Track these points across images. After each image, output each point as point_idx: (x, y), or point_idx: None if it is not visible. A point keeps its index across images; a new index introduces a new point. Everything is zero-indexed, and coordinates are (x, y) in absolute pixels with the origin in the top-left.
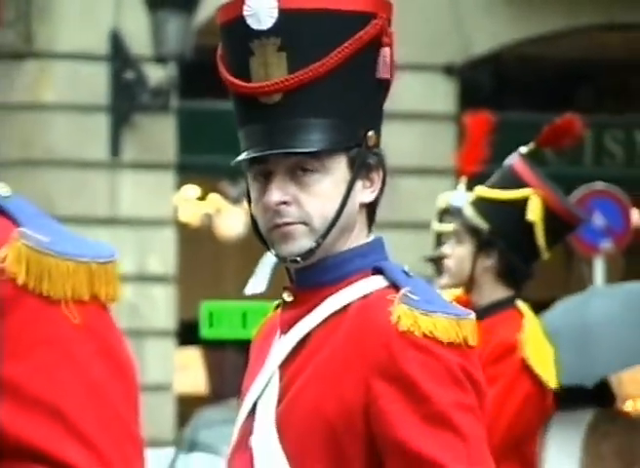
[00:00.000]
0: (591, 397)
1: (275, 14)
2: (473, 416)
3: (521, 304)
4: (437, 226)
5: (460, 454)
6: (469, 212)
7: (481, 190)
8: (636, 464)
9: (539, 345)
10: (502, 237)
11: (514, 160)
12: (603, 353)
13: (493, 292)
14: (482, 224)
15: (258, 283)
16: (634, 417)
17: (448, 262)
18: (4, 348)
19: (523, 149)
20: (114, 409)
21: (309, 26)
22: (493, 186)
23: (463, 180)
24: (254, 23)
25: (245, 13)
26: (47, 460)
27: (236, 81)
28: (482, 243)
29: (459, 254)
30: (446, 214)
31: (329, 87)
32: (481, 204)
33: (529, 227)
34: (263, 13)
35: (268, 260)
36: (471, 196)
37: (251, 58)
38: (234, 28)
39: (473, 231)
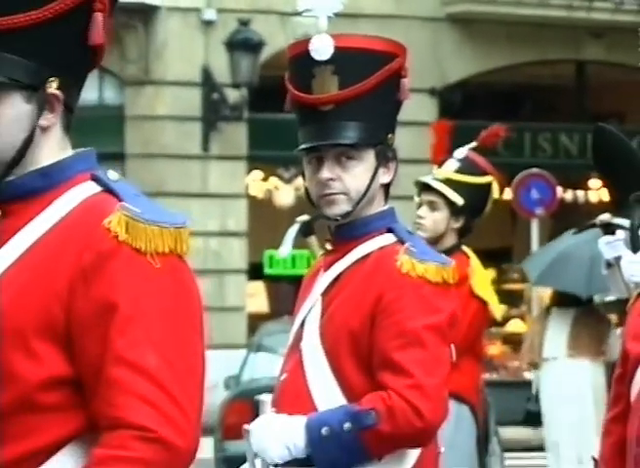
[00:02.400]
0: (579, 301)
1: (332, 50)
2: (440, 337)
3: (465, 248)
4: (417, 199)
5: (422, 364)
6: (445, 189)
7: (451, 174)
8: (604, 345)
9: (481, 277)
10: (469, 208)
11: (469, 154)
12: (597, 279)
13: (450, 241)
14: (458, 199)
15: (285, 248)
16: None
17: (425, 222)
18: (115, 283)
19: (471, 146)
20: (182, 329)
21: (354, 59)
22: (460, 172)
23: (435, 167)
24: (317, 56)
25: (310, 48)
26: (129, 364)
27: (302, 94)
28: (455, 211)
29: (435, 218)
30: (423, 189)
31: (365, 101)
32: (454, 184)
33: (486, 201)
34: (324, 49)
35: (289, 234)
36: (440, 177)
37: (312, 79)
38: (301, 59)
39: (449, 203)
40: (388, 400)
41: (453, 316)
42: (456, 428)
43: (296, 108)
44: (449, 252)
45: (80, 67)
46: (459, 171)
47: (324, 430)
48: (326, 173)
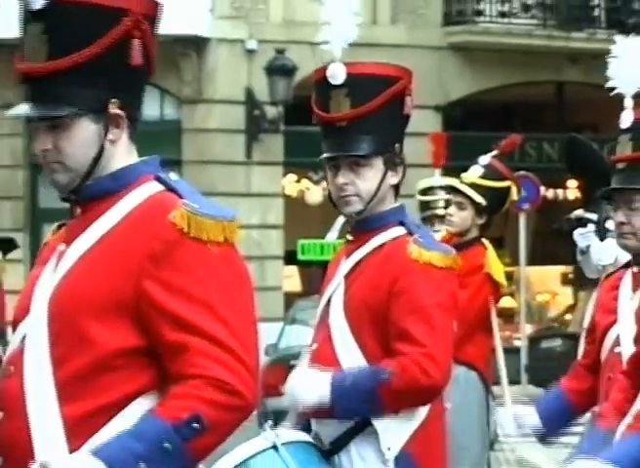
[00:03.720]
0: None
1: (345, 75)
2: (446, 313)
3: (484, 241)
4: (420, 197)
5: (431, 336)
6: (471, 192)
7: (476, 179)
8: None
9: (496, 264)
10: (491, 207)
11: (490, 161)
12: None
13: (473, 234)
14: (481, 200)
15: (332, 235)
16: None
17: (454, 219)
18: (182, 266)
19: (493, 153)
20: (239, 303)
21: (364, 83)
22: (484, 177)
23: (437, 171)
24: (332, 81)
25: (327, 74)
26: (201, 333)
27: (322, 113)
28: (479, 211)
29: (463, 216)
30: (428, 190)
31: (373, 118)
32: (478, 187)
33: (505, 201)
34: (338, 75)
35: (338, 223)
36: (467, 181)
37: (329, 100)
38: (321, 83)
39: (474, 203)
40: (403, 362)
41: (454, 295)
42: (466, 390)
43: (318, 124)
44: (471, 243)
45: (134, 86)
46: (482, 176)
47: (346, 383)
48: (341, 178)
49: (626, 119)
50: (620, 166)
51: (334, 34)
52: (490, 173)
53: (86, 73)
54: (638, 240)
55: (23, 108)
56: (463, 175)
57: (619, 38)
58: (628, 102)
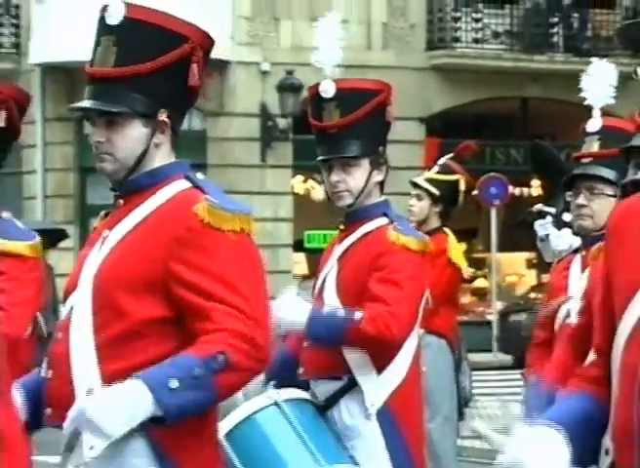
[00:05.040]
0: None
1: (334, 90)
2: (415, 285)
3: (446, 229)
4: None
5: (397, 299)
6: (426, 184)
7: (432, 175)
8: None
9: (456, 249)
10: (444, 197)
11: (446, 161)
12: None
13: (434, 224)
14: (434, 190)
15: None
16: None
17: (413, 209)
18: (204, 250)
19: (450, 156)
20: (253, 281)
21: (350, 96)
22: (438, 173)
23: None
24: (324, 95)
25: (320, 89)
26: (223, 301)
27: (316, 122)
28: (434, 200)
29: (421, 205)
30: (414, 186)
31: (361, 124)
32: (433, 181)
33: (457, 193)
34: (329, 90)
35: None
36: (425, 177)
37: (322, 111)
38: (315, 97)
39: (429, 194)
40: (371, 314)
41: (425, 273)
42: (438, 355)
43: (313, 131)
44: (433, 231)
45: (182, 102)
46: (437, 172)
47: (322, 313)
48: (334, 177)
49: (594, 124)
50: (584, 161)
51: (323, 56)
52: (444, 169)
53: (144, 83)
54: (594, 222)
55: (86, 103)
56: (425, 173)
57: (593, 60)
58: (596, 112)
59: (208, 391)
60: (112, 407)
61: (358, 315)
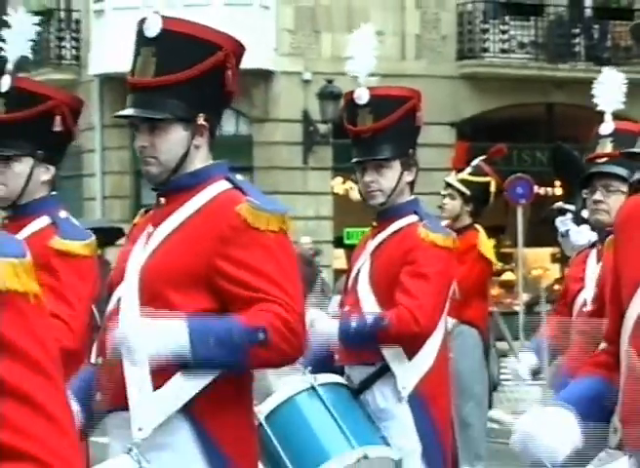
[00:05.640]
0: None
1: (368, 97)
2: (443, 279)
3: (477, 226)
4: (443, 192)
5: (425, 292)
6: (458, 184)
7: (464, 176)
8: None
9: (486, 244)
10: (475, 197)
11: (478, 163)
12: None
13: (465, 221)
14: (465, 190)
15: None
16: None
17: (446, 207)
18: (244, 247)
19: (482, 158)
20: (290, 275)
21: (383, 102)
22: (470, 174)
23: (454, 172)
24: (358, 101)
25: (354, 96)
26: (265, 292)
27: (351, 126)
28: (465, 199)
29: (453, 204)
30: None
31: (393, 129)
32: (465, 182)
33: (488, 194)
34: (363, 97)
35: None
36: (457, 178)
37: (357, 117)
38: (350, 104)
39: (461, 193)
40: (398, 311)
41: (451, 268)
42: (469, 343)
43: (349, 135)
44: (465, 228)
45: (218, 106)
46: (470, 173)
47: (354, 332)
48: (367, 177)
49: (607, 128)
50: (599, 161)
51: (358, 65)
52: (476, 171)
53: (182, 90)
54: (610, 217)
55: (130, 111)
56: (459, 174)
57: (604, 69)
58: (608, 117)
59: (240, 357)
60: (150, 337)
61: (385, 321)
